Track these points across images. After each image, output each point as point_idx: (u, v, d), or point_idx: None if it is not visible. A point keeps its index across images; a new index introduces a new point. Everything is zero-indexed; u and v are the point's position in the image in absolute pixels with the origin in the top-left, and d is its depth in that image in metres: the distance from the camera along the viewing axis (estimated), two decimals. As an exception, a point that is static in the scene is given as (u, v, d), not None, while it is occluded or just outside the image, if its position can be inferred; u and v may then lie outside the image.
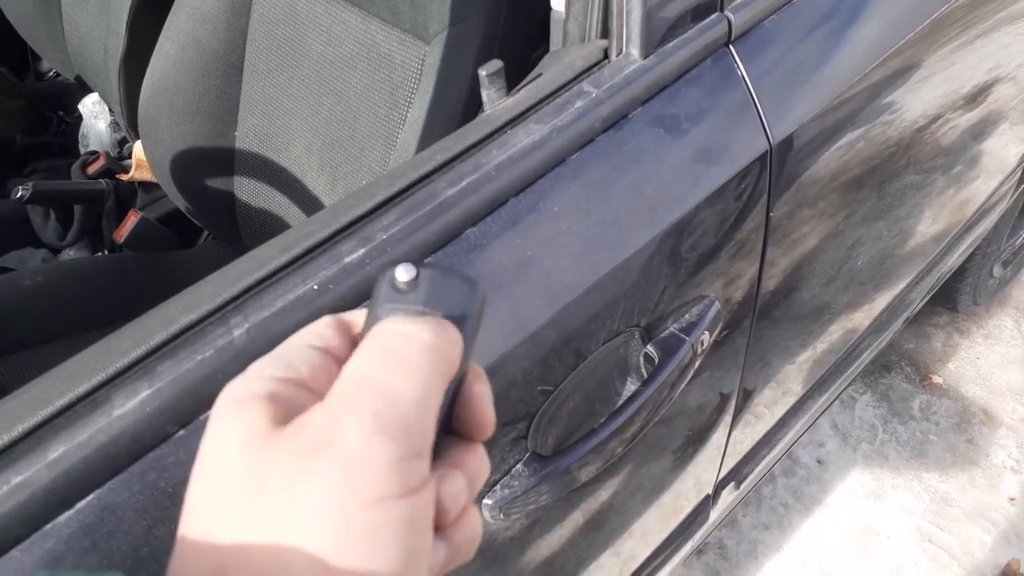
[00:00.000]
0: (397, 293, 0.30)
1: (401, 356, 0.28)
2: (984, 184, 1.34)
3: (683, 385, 0.71)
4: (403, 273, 0.30)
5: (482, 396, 0.31)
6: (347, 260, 0.53)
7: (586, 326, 0.62)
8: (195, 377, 0.48)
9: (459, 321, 0.30)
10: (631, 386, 0.69)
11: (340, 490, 0.25)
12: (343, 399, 0.27)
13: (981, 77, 1.06)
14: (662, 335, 0.68)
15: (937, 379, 1.80)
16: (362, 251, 0.53)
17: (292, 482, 0.26)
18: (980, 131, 1.16)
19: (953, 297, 1.75)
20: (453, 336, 0.29)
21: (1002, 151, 1.32)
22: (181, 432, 0.48)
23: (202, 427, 0.49)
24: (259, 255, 0.54)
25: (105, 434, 0.46)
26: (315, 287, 0.52)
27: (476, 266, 0.57)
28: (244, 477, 0.27)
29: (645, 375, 0.68)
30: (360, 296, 0.53)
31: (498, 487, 0.61)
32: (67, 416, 0.47)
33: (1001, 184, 1.42)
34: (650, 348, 0.67)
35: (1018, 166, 1.46)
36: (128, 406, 0.47)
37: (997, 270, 1.78)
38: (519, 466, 0.62)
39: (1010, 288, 1.93)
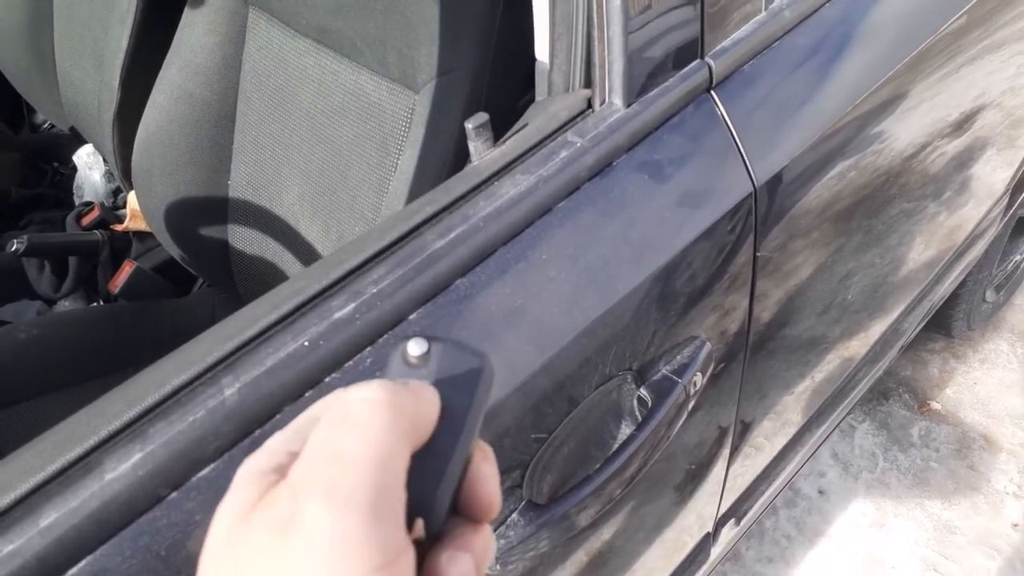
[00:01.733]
0: (408, 367, 0.30)
1: (353, 419, 0.27)
2: (974, 210, 1.35)
3: (678, 427, 0.71)
4: (415, 348, 0.30)
5: (489, 477, 0.30)
6: (337, 315, 0.53)
7: (578, 372, 0.63)
8: (187, 439, 0.49)
9: (467, 395, 0.30)
10: (626, 430, 0.69)
11: (307, 572, 0.24)
12: (301, 472, 0.26)
13: (968, 105, 1.08)
14: (655, 378, 0.68)
15: (935, 405, 1.79)
16: (352, 306, 0.54)
17: (266, 562, 0.25)
18: (968, 159, 1.18)
19: (947, 323, 1.76)
20: (418, 394, 0.28)
21: (990, 176, 1.33)
22: (173, 495, 0.48)
23: (194, 489, 0.49)
24: (249, 313, 0.54)
25: (97, 499, 0.47)
26: (306, 343, 0.52)
27: (466, 317, 0.58)
28: (228, 554, 0.26)
29: (639, 418, 0.68)
30: (351, 351, 0.53)
31: (494, 537, 0.60)
32: (59, 482, 0.47)
33: (990, 210, 1.43)
34: (643, 391, 0.67)
35: (1006, 191, 1.47)
36: (120, 470, 0.47)
37: (990, 295, 1.79)
38: (515, 515, 0.61)
39: (1004, 312, 1.93)
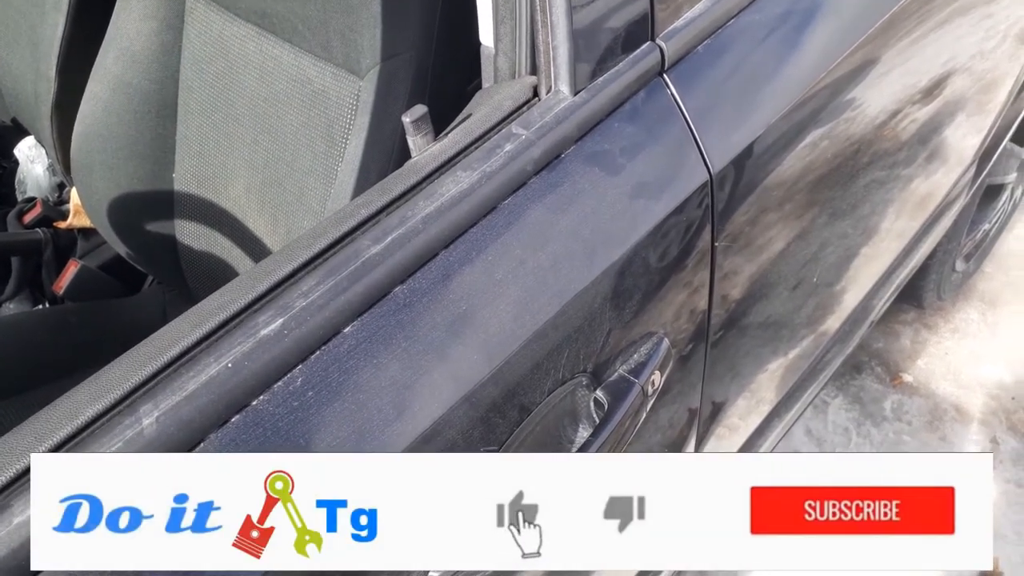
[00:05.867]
0: None
1: None
2: (944, 179, 1.33)
3: (637, 427, 0.69)
4: None
5: None
6: (263, 333, 0.50)
7: (529, 378, 0.60)
8: (101, 474, 0.45)
9: None
10: (584, 433, 0.66)
11: None
12: None
13: (936, 72, 1.04)
14: (611, 379, 0.65)
15: (907, 377, 1.79)
16: (279, 322, 0.50)
17: None
18: (937, 126, 1.15)
19: (918, 294, 1.75)
20: None
21: (960, 144, 1.31)
22: (89, 535, 0.45)
23: (112, 527, 0.46)
24: (170, 332, 0.50)
25: (5, 546, 0.43)
26: (229, 365, 0.48)
27: (406, 327, 0.54)
28: None
29: (597, 421, 0.65)
30: (280, 371, 0.50)
31: (444, 555, 0.57)
32: (-39, 528, 0.43)
33: (960, 178, 1.41)
34: (599, 394, 0.65)
35: (975, 158, 1.45)
36: (28, 515, 0.44)
37: (959, 264, 1.78)
38: (465, 532, 0.58)
39: (974, 281, 1.93)
